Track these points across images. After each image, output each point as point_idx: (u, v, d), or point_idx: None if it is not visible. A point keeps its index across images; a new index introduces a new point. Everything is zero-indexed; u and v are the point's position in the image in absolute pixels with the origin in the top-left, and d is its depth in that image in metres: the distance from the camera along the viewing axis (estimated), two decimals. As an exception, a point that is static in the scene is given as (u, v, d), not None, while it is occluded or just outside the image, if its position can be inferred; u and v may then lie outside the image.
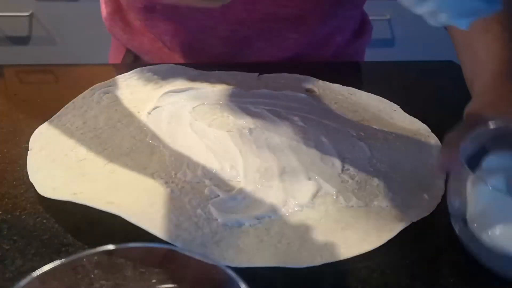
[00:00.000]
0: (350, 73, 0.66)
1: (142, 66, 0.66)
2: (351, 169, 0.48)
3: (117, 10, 0.78)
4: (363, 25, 0.84)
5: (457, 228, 0.38)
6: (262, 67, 0.69)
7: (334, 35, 0.79)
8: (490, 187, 0.34)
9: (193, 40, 0.75)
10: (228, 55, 0.75)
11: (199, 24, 0.73)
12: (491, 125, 0.41)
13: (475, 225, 0.36)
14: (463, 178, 0.36)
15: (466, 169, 0.35)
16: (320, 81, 0.67)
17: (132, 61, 0.81)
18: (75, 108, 0.56)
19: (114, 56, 0.85)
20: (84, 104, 0.57)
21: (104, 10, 0.80)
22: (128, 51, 0.81)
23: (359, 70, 0.67)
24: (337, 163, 0.49)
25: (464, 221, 0.37)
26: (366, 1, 0.82)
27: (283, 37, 0.75)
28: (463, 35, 0.60)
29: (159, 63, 0.68)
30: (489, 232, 0.35)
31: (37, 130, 0.51)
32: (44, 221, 0.40)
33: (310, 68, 0.69)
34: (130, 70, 0.65)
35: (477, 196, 0.36)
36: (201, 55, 0.76)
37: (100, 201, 0.40)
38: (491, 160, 0.39)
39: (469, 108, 0.52)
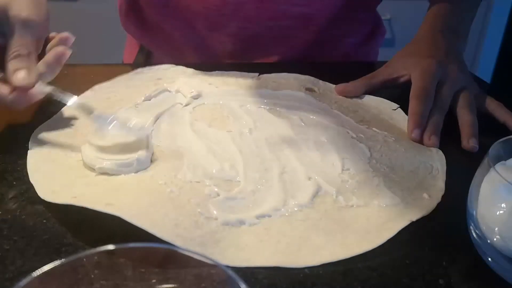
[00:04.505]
0: (350, 73, 0.66)
1: (150, 65, 0.67)
2: (351, 168, 0.48)
3: (132, 6, 0.80)
4: (376, 28, 0.85)
5: (472, 228, 0.38)
6: (262, 67, 0.69)
7: (344, 37, 0.80)
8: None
9: (204, 37, 0.76)
10: (238, 52, 0.76)
11: (210, 21, 0.74)
12: None
13: (496, 229, 0.35)
14: (494, 181, 0.35)
15: (494, 169, 0.34)
16: (320, 81, 0.67)
17: (146, 57, 0.83)
18: (75, 108, 0.56)
19: (129, 52, 0.87)
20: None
21: (119, 6, 0.82)
22: (141, 47, 0.83)
23: (360, 70, 0.67)
24: (337, 163, 0.49)
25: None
26: (378, 5, 0.83)
27: (291, 35, 0.76)
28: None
29: (171, 59, 0.69)
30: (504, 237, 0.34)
31: (37, 130, 0.51)
32: (44, 221, 0.40)
33: (310, 68, 0.69)
34: (130, 71, 0.65)
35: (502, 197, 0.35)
36: (211, 52, 0.77)
37: (100, 203, 0.40)
38: None
39: (396, 55, 0.66)
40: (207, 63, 0.77)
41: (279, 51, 0.77)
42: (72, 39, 0.51)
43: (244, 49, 0.76)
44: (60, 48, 0.49)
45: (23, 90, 0.46)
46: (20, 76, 0.46)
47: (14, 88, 0.46)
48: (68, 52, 0.50)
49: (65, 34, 0.51)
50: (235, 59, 0.76)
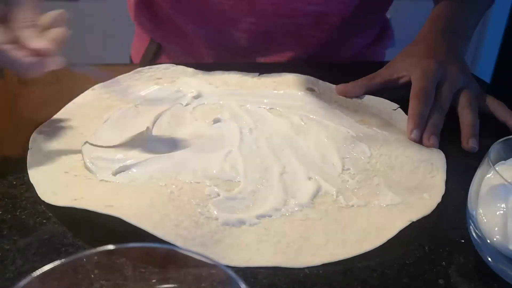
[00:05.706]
0: (351, 74, 0.66)
1: (159, 59, 0.67)
2: (351, 168, 0.48)
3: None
4: (384, 30, 0.86)
5: (472, 229, 0.38)
6: (262, 67, 0.69)
7: (355, 37, 0.81)
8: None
9: (216, 31, 0.76)
10: (251, 49, 0.76)
11: (224, 16, 0.73)
12: None
13: (496, 229, 0.35)
14: (494, 181, 0.35)
15: (494, 169, 0.34)
16: (320, 81, 0.67)
17: (155, 52, 0.82)
18: (76, 108, 0.56)
19: (137, 45, 0.86)
20: (85, 104, 0.57)
21: (129, 0, 0.81)
22: (151, 42, 0.83)
23: (361, 70, 0.67)
24: (337, 163, 0.49)
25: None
26: (389, 7, 0.83)
27: (305, 34, 0.76)
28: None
29: (182, 53, 0.69)
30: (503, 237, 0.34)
31: (37, 130, 0.51)
32: (44, 221, 0.40)
33: (311, 68, 0.69)
34: (130, 71, 0.65)
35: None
36: (223, 47, 0.77)
37: (100, 205, 0.40)
38: None
39: (396, 56, 0.67)
40: (219, 59, 0.77)
41: (292, 49, 0.77)
42: (65, 15, 0.48)
43: (257, 46, 0.76)
44: (59, 30, 0.46)
45: (43, 54, 0.44)
46: (41, 40, 0.43)
47: (31, 53, 0.43)
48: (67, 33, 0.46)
49: (58, 12, 0.48)
50: (247, 56, 0.76)
